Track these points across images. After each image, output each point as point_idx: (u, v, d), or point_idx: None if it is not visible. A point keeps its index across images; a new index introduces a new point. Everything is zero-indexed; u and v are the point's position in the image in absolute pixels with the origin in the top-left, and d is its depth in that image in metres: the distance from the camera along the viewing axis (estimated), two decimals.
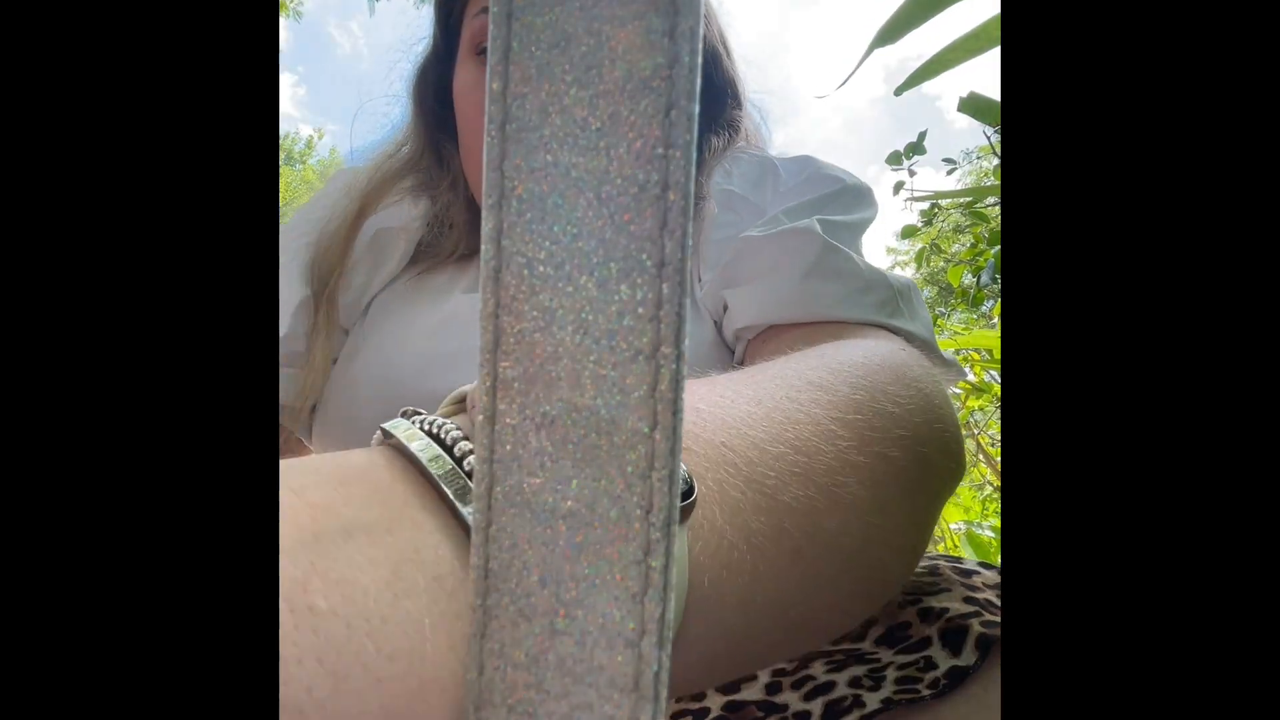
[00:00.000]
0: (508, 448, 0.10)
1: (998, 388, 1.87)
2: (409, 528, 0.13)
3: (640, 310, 0.10)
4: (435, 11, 0.50)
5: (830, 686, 0.27)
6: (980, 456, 2.12)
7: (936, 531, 2.31)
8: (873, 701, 0.25)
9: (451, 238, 0.49)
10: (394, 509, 0.13)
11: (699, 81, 0.12)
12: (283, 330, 0.45)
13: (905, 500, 0.23)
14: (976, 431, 2.09)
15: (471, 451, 0.15)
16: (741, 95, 0.53)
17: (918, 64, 0.51)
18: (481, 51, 0.45)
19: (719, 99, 0.53)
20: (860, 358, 0.26)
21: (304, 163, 13.86)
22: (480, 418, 0.10)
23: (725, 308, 0.41)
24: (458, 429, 0.15)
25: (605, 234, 0.11)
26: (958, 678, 0.24)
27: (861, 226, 0.42)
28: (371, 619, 0.11)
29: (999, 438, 2.06)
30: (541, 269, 0.11)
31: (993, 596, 0.29)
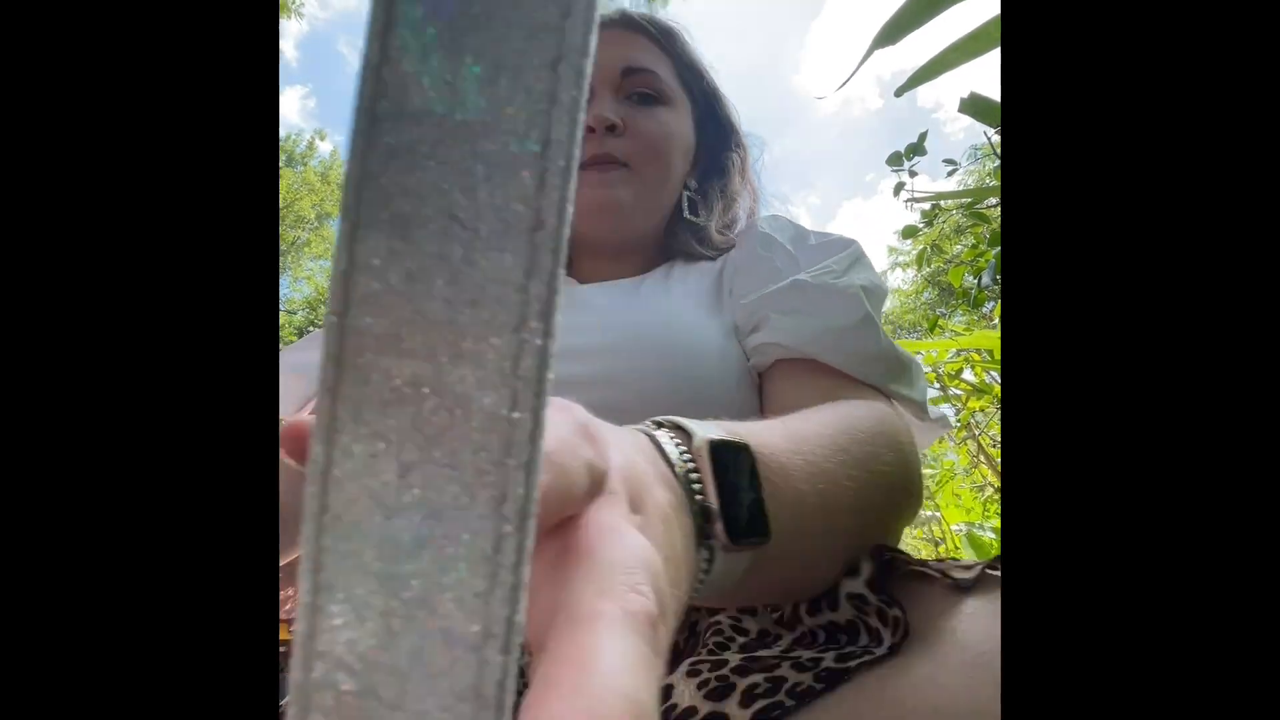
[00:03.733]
0: (350, 423, 0.09)
1: (998, 389, 1.86)
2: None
3: (509, 277, 0.09)
4: None
5: (839, 644, 0.33)
6: (981, 458, 2.10)
7: (938, 533, 2.30)
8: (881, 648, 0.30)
9: None
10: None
11: (594, 38, 0.11)
12: None
13: (873, 515, 0.36)
14: (978, 432, 2.08)
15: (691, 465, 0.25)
16: (739, 136, 0.66)
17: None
18: None
19: (723, 140, 0.65)
20: (871, 426, 0.38)
21: (305, 164, 13.91)
22: (321, 390, 0.09)
23: (756, 326, 0.51)
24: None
25: (478, 190, 0.10)
26: (887, 600, 0.31)
27: (882, 296, 0.53)
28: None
29: (999, 438, 2.05)
30: (403, 223, 0.09)
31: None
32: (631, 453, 0.22)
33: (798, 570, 0.33)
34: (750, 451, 0.28)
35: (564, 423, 0.19)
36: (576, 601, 0.13)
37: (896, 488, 0.38)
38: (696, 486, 0.24)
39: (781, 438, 0.32)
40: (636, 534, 0.17)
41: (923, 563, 0.34)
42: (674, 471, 0.24)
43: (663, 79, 0.60)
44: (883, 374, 0.47)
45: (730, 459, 0.26)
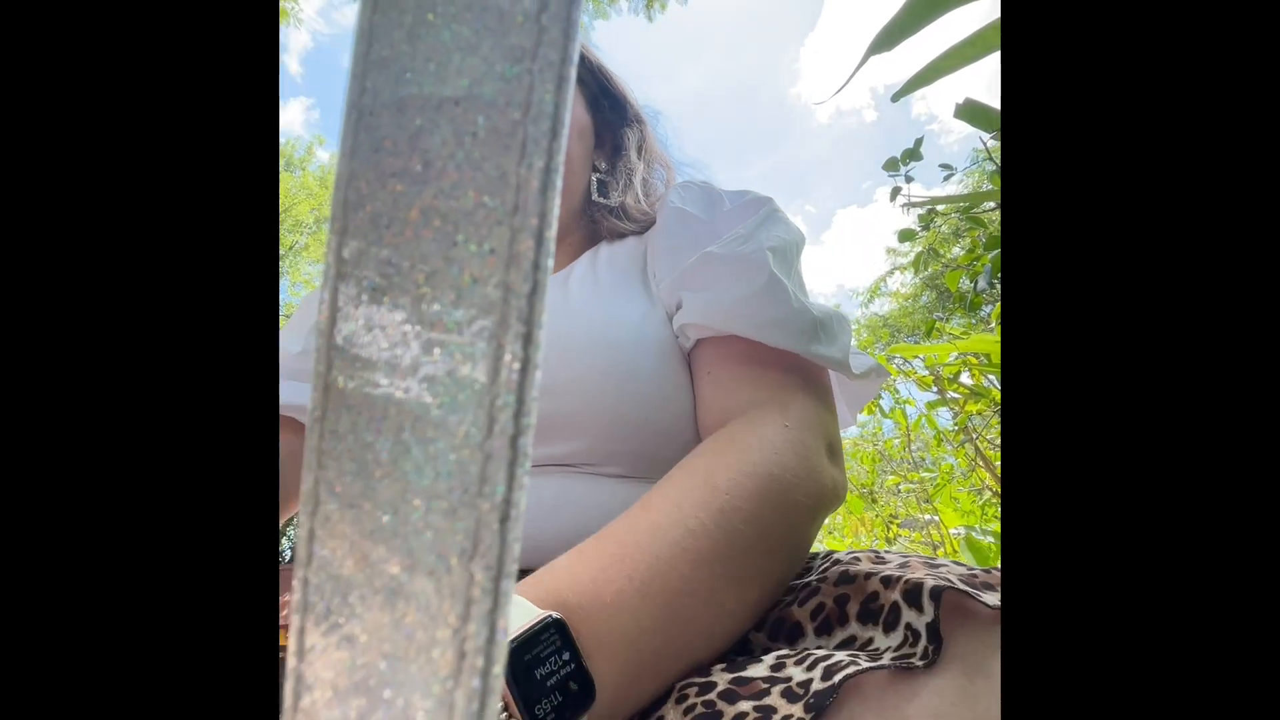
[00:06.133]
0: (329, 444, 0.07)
1: (995, 392, 1.85)
2: None
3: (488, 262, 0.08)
4: None
5: (829, 657, 0.32)
6: (979, 461, 2.10)
7: (936, 537, 2.29)
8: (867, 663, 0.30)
9: None
10: None
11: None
12: None
13: (738, 590, 0.36)
14: (975, 436, 2.07)
15: None
16: (635, 110, 0.69)
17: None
18: None
19: (619, 114, 0.68)
20: (726, 482, 0.37)
21: (304, 169, 13.91)
22: (315, 412, 0.08)
23: (679, 305, 0.51)
24: None
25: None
26: (935, 637, 0.30)
27: (796, 249, 0.53)
28: None
29: (998, 442, 2.04)
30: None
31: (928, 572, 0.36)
32: None
33: (682, 648, 0.33)
34: (554, 627, 0.29)
35: None
36: None
37: (769, 534, 0.37)
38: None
39: (596, 562, 0.33)
40: None
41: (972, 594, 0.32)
42: None
43: None
44: (797, 336, 0.46)
45: (529, 658, 0.27)
